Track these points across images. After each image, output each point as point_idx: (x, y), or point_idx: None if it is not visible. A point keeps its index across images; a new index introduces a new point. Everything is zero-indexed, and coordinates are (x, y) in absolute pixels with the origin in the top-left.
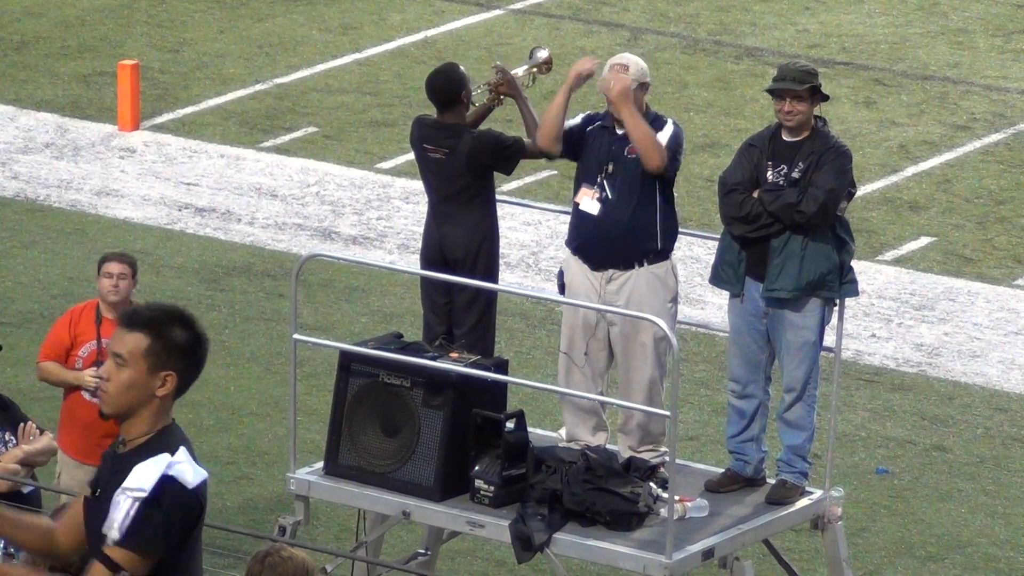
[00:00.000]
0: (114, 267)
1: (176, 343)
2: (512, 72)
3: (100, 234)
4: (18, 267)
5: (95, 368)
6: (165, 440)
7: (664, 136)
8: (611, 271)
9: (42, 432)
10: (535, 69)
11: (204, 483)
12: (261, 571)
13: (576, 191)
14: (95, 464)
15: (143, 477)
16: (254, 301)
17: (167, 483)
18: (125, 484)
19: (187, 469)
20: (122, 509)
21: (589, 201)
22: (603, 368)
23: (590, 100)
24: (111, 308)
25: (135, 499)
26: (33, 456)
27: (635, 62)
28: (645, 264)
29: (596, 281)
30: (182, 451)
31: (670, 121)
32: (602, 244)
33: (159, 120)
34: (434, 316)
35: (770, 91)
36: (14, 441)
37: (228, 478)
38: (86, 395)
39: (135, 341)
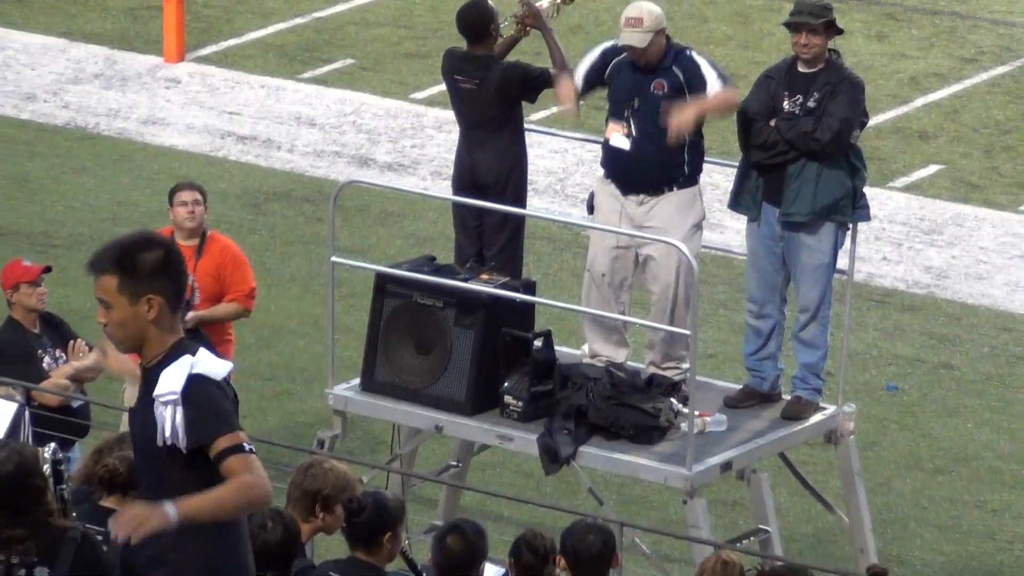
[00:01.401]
0: (187, 195)
1: (144, 269)
2: (537, 4)
3: (146, 161)
4: (69, 192)
5: None
6: (181, 349)
7: (712, 78)
8: (641, 195)
9: (91, 349)
10: (559, 2)
11: (229, 374)
12: (303, 481)
13: (608, 122)
14: None
15: (171, 381)
16: (294, 225)
17: (196, 380)
18: (156, 392)
19: (211, 363)
20: (167, 417)
21: (619, 137)
22: (627, 285)
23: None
24: (188, 234)
25: (172, 403)
26: (82, 372)
27: (648, 11)
28: (675, 189)
29: (627, 204)
30: (202, 351)
31: (694, 53)
32: (633, 173)
33: (203, 52)
34: (465, 238)
35: (787, 24)
36: (64, 358)
37: (269, 393)
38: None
39: (108, 282)
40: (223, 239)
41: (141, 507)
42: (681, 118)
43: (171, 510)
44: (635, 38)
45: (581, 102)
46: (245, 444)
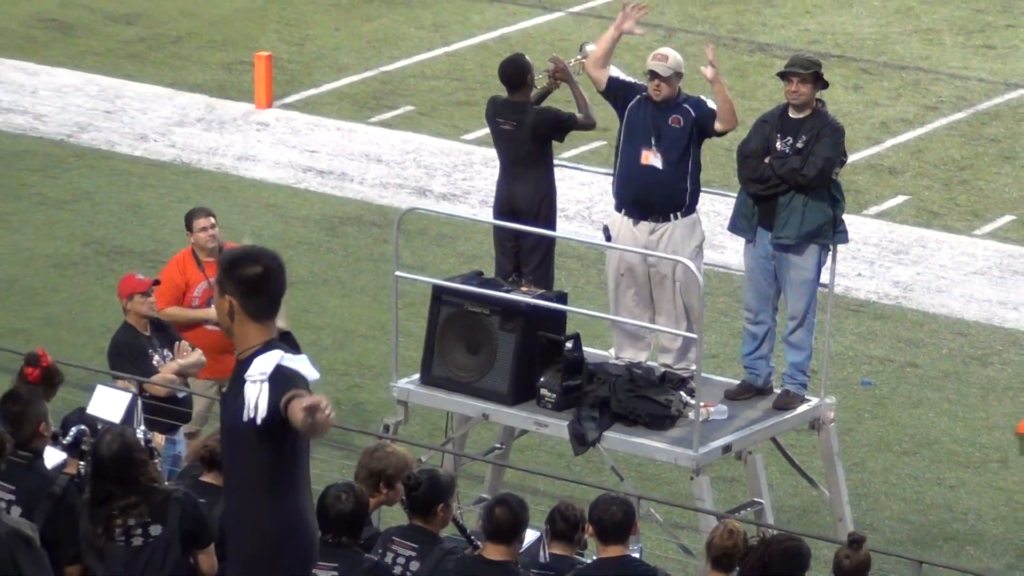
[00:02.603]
0: (205, 221)
1: (234, 274)
2: (566, 62)
3: (240, 191)
4: (174, 217)
5: None
6: (273, 345)
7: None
8: (652, 224)
9: (193, 349)
10: (584, 60)
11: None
12: (369, 462)
13: (621, 155)
14: (219, 378)
15: (263, 365)
16: (363, 245)
17: (284, 368)
18: (247, 373)
19: (300, 363)
20: (253, 392)
21: (653, 157)
22: (646, 300)
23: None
24: (210, 252)
25: (260, 381)
26: (186, 368)
27: (673, 54)
28: (679, 216)
29: (638, 231)
30: (293, 356)
31: (702, 97)
32: (647, 198)
33: (288, 100)
34: (504, 257)
35: (780, 74)
36: (170, 356)
37: (343, 387)
38: (209, 326)
39: (216, 273)
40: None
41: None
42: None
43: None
44: (660, 67)
45: (602, 138)
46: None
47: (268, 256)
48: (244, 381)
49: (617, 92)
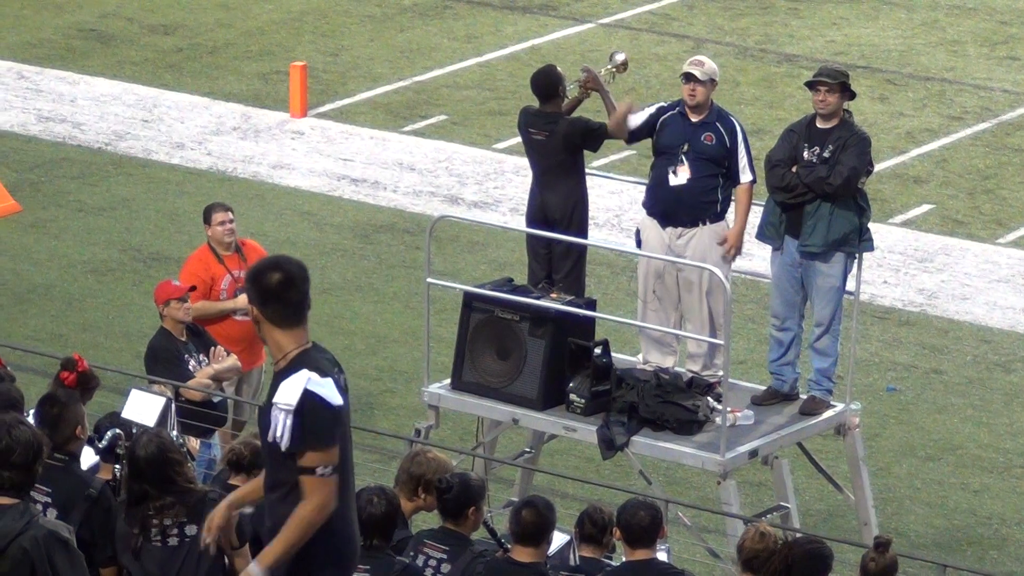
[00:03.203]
0: (223, 215)
1: (258, 282)
2: (597, 71)
3: (275, 199)
4: None
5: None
6: (303, 360)
7: (741, 163)
8: (680, 229)
9: (228, 354)
10: (614, 69)
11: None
12: (410, 467)
13: (653, 168)
14: (247, 369)
15: (289, 393)
16: (396, 252)
17: (310, 396)
18: (275, 399)
19: (327, 390)
20: (280, 422)
21: (683, 172)
22: (673, 306)
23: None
24: (227, 246)
25: (285, 412)
26: (222, 373)
27: (709, 62)
28: (707, 223)
29: (667, 236)
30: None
31: (735, 121)
32: (676, 207)
33: (322, 109)
34: (536, 264)
35: (809, 84)
36: (206, 361)
37: (376, 391)
38: (237, 316)
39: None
40: (255, 244)
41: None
42: (734, 238)
43: (256, 570)
44: (697, 71)
45: (632, 148)
46: (319, 468)
47: (290, 264)
48: (272, 404)
49: (640, 133)
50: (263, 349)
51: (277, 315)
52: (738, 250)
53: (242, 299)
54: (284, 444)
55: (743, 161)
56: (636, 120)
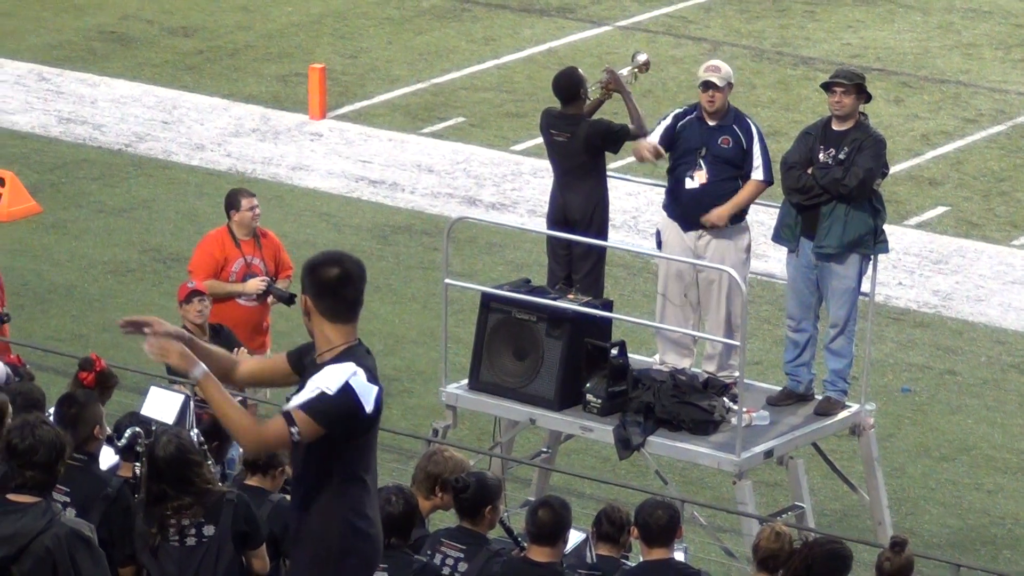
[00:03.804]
0: (251, 200)
1: (316, 275)
2: (619, 72)
3: (294, 200)
4: None
5: (260, 279)
6: (351, 355)
7: (756, 162)
8: (700, 231)
9: (251, 355)
10: (636, 70)
11: (377, 407)
12: (427, 466)
13: (671, 171)
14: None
15: (332, 378)
16: (414, 253)
17: (348, 390)
18: (317, 376)
19: (366, 390)
20: (308, 392)
21: (701, 175)
22: (692, 307)
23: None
24: (248, 232)
25: (321, 390)
26: None
27: (724, 66)
28: (727, 225)
29: (688, 239)
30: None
31: (752, 124)
32: (695, 210)
33: (341, 111)
34: (556, 264)
35: (825, 86)
36: None
37: (394, 391)
38: (241, 300)
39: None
40: (271, 233)
41: (178, 347)
42: (719, 212)
43: (198, 372)
44: (716, 78)
45: (659, 159)
46: (294, 427)
47: (349, 261)
48: (313, 379)
49: (664, 146)
50: (267, 337)
51: (330, 310)
52: (714, 226)
53: (251, 285)
54: (296, 403)
55: (757, 161)
56: (656, 136)
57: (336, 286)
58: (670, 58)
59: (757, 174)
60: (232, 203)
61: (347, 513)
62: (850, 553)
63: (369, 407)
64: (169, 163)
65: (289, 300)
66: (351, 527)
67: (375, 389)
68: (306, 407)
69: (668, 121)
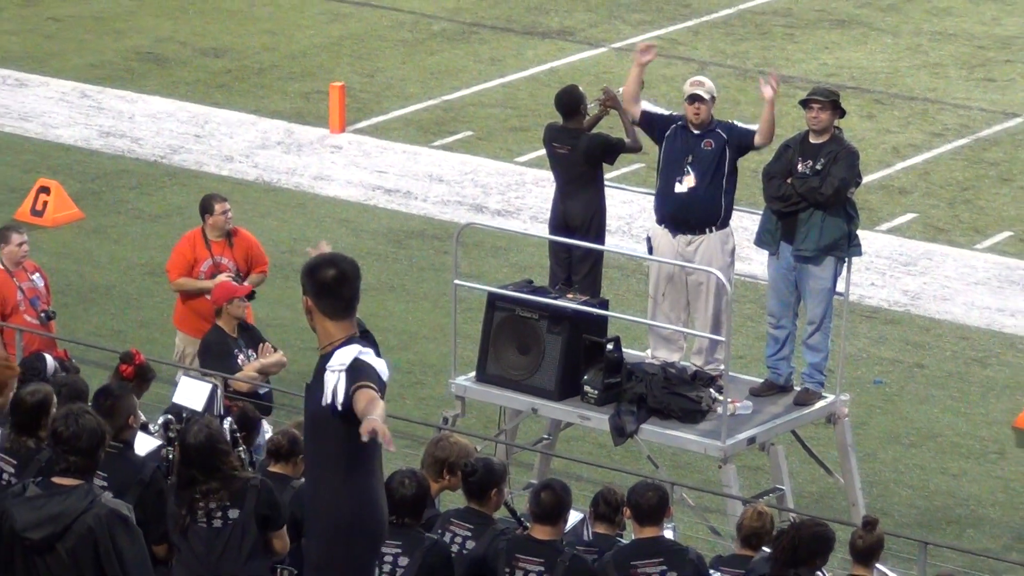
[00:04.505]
0: (222, 205)
1: (314, 277)
2: (615, 91)
3: (316, 207)
4: (256, 231)
5: (225, 275)
6: (354, 341)
7: (753, 126)
8: (688, 236)
9: (276, 350)
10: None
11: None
12: (434, 451)
13: (660, 179)
14: (199, 337)
15: (342, 357)
16: (426, 256)
17: (360, 361)
18: (329, 364)
19: (377, 361)
20: (332, 380)
21: (689, 181)
22: (682, 306)
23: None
24: (220, 234)
25: (339, 371)
26: (268, 367)
27: (707, 81)
28: (713, 230)
29: (677, 243)
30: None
31: (733, 120)
32: (684, 214)
33: (359, 125)
34: (557, 266)
35: (803, 102)
36: (254, 355)
37: (407, 383)
38: (208, 296)
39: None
40: (244, 232)
41: (381, 414)
42: (770, 95)
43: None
44: (700, 91)
45: (641, 160)
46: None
47: (345, 262)
48: (325, 371)
49: (652, 122)
50: (206, 325)
51: (329, 308)
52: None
53: (216, 282)
54: (340, 399)
55: (743, 126)
56: (654, 107)
57: (333, 286)
58: (660, 77)
59: (752, 127)
60: (206, 207)
61: (354, 490)
62: (833, 535)
63: (384, 374)
64: (201, 173)
65: (249, 296)
66: (358, 503)
67: (382, 362)
68: (351, 387)
69: (665, 113)
